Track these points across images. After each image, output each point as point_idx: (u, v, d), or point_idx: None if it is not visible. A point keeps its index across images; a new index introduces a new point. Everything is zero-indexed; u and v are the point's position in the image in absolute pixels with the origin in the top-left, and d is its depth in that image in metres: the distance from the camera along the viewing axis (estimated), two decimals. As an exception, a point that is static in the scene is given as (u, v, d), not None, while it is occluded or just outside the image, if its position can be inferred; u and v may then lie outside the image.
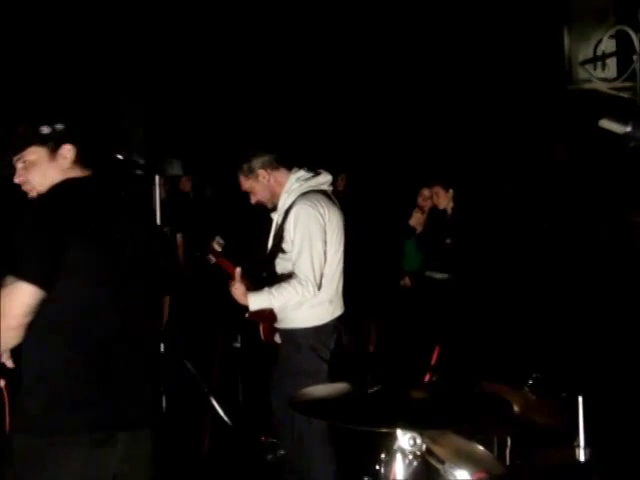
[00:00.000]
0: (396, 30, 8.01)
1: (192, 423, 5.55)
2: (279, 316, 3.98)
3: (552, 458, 2.94)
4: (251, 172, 3.96)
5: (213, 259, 4.12)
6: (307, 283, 3.74)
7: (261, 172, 3.96)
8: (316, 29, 8.01)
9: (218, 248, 4.12)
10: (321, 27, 8.00)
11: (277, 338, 4.15)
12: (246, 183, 4.01)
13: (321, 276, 3.83)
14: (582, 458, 2.64)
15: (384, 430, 2.48)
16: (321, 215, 3.81)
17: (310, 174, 3.98)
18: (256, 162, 3.97)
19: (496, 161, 7.22)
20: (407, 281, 6.52)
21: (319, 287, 3.81)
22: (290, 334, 3.94)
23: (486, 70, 7.79)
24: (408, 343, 5.78)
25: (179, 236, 6.76)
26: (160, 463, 4.98)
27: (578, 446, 2.65)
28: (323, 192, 3.96)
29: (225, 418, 5.47)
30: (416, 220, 6.55)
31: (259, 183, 3.96)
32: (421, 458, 2.57)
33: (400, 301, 6.48)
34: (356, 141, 8.28)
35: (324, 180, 4.00)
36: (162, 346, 5.44)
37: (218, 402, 5.56)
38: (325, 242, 3.82)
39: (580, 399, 2.64)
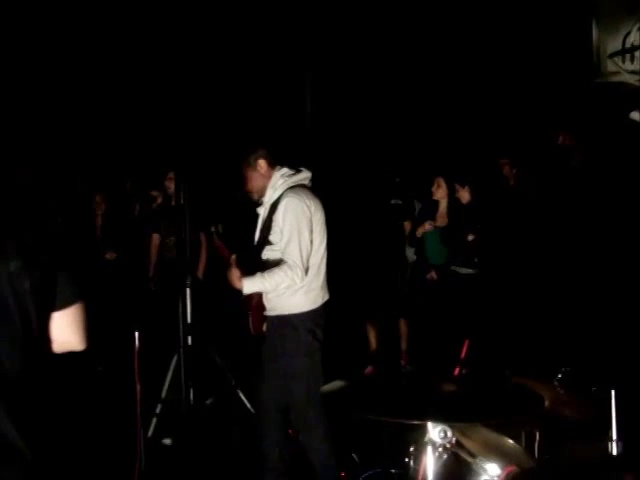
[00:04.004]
0: (415, 21, 7.99)
1: (219, 414, 5.61)
2: (275, 304, 4.21)
3: (581, 452, 2.93)
4: (252, 161, 4.27)
5: (216, 240, 4.47)
6: (296, 268, 4.01)
7: (260, 162, 4.27)
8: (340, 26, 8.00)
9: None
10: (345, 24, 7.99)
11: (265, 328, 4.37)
12: (245, 171, 4.32)
13: (308, 262, 4.11)
14: (615, 452, 2.63)
15: (415, 422, 2.48)
16: (307, 207, 4.12)
17: (292, 171, 4.29)
18: (259, 153, 4.28)
19: (517, 155, 7.17)
20: (433, 275, 6.52)
21: (306, 272, 4.09)
22: (286, 319, 4.17)
23: (513, 64, 7.75)
24: (436, 337, 5.78)
25: (155, 237, 6.81)
26: (189, 455, 5.06)
27: (611, 440, 2.64)
28: (306, 187, 4.28)
29: (252, 410, 5.53)
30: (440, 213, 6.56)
31: (256, 172, 4.27)
32: (451, 451, 2.57)
33: (427, 295, 6.47)
34: (362, 135, 8.25)
35: (305, 176, 4.31)
36: (190, 339, 5.54)
37: (245, 394, 5.63)
38: (311, 232, 4.13)
39: (613, 392, 2.62)
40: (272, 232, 4.17)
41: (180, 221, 5.77)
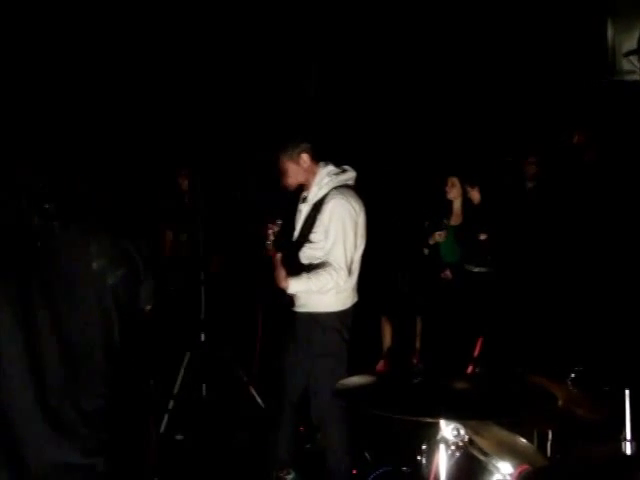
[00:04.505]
0: (429, 15, 7.95)
1: (230, 411, 5.62)
2: (306, 301, 4.19)
3: (594, 452, 2.93)
4: (295, 155, 4.18)
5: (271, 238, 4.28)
6: (340, 270, 4.01)
7: (303, 156, 4.18)
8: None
9: (272, 236, 4.25)
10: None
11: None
12: (285, 164, 4.22)
13: (351, 264, 4.12)
14: (628, 452, 2.62)
15: (428, 420, 2.48)
16: (354, 210, 4.08)
17: (339, 169, 4.23)
18: (303, 147, 4.19)
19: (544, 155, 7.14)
20: (448, 274, 6.51)
21: (349, 274, 4.10)
22: (315, 317, 4.16)
23: (528, 61, 7.72)
24: (450, 335, 5.77)
25: (168, 234, 6.82)
26: (200, 450, 5.08)
27: (624, 439, 2.63)
28: (350, 187, 4.22)
29: (263, 406, 5.55)
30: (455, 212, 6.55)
31: (299, 167, 4.19)
32: (464, 449, 2.57)
33: (441, 294, 6.46)
34: (373, 135, 8.23)
35: (350, 176, 4.26)
36: (202, 336, 5.57)
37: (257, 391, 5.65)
38: (355, 234, 4.10)
39: (627, 392, 2.62)
40: (314, 230, 4.13)
41: (194, 219, 5.81)
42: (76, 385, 2.37)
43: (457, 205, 6.57)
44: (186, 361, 5.51)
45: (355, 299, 4.25)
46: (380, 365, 6.42)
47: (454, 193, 6.50)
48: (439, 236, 6.43)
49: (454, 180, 6.48)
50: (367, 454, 4.77)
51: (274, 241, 4.27)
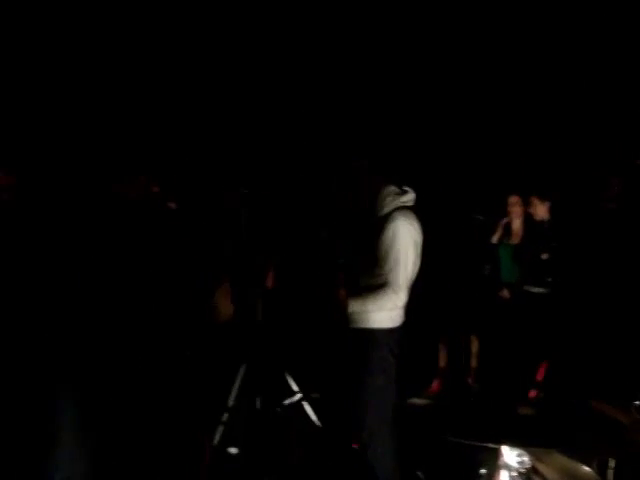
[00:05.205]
0: (484, 30, 7.87)
1: (285, 426, 5.62)
2: (357, 317, 4.21)
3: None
4: (358, 172, 4.23)
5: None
6: (400, 292, 4.07)
7: (366, 173, 4.23)
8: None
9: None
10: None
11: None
12: (349, 180, 4.28)
13: (409, 284, 4.15)
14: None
15: (491, 446, 2.44)
16: (415, 231, 4.13)
17: (399, 190, 4.26)
18: (365, 164, 4.24)
19: (596, 171, 7.00)
20: (505, 293, 6.43)
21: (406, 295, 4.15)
22: (367, 334, 4.19)
23: (589, 76, 7.58)
24: (509, 357, 5.69)
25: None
26: (254, 465, 5.08)
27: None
28: (410, 209, 4.24)
29: (317, 423, 5.53)
30: (514, 230, 6.48)
31: (361, 183, 4.24)
32: (526, 476, 2.52)
33: (499, 314, 6.38)
34: (435, 152, 8.16)
35: (411, 197, 4.28)
36: (258, 349, 5.58)
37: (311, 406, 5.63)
38: (414, 255, 4.14)
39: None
40: (374, 248, 4.14)
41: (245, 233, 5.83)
42: None
43: (517, 224, 6.49)
44: (241, 374, 5.52)
45: (404, 318, 4.27)
46: (434, 385, 6.37)
47: (517, 212, 6.41)
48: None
49: (518, 199, 6.39)
50: (419, 473, 4.73)
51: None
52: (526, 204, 6.38)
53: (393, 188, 4.23)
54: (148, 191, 4.33)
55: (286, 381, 5.70)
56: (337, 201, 4.46)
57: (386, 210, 4.17)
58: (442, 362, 6.64)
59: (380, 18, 7.82)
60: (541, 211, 6.22)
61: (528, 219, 6.35)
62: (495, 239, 6.62)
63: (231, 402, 5.47)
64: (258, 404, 5.58)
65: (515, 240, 6.52)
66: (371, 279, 4.16)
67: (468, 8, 7.71)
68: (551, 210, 6.16)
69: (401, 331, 4.25)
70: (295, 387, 5.73)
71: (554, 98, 7.80)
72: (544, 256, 6.03)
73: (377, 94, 8.05)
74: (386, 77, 8.10)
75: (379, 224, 4.15)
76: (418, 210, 4.25)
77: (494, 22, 7.79)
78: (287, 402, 5.72)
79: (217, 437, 5.35)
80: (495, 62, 7.98)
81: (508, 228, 6.57)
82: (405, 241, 4.07)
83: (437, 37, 7.92)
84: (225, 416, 5.44)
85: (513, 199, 6.42)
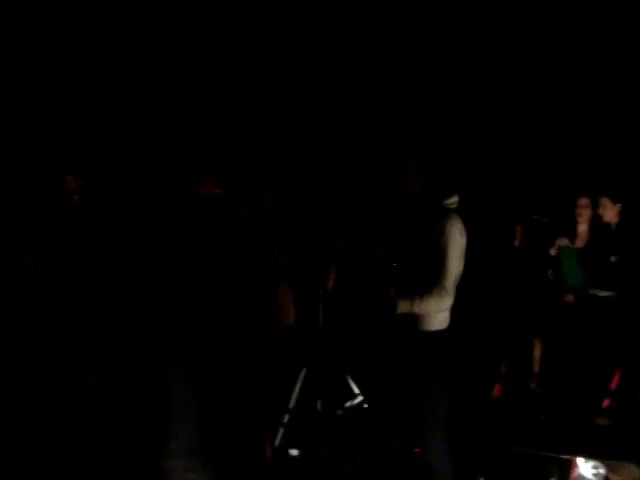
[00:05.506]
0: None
1: (347, 427, 5.60)
2: (407, 318, 4.19)
3: None
4: (404, 171, 4.24)
5: None
6: (446, 295, 4.09)
7: (411, 172, 4.24)
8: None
9: None
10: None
11: None
12: (393, 180, 4.30)
13: (455, 286, 4.17)
14: None
15: (565, 457, 2.38)
16: (461, 235, 4.13)
17: (444, 192, 4.26)
18: (410, 163, 4.24)
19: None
20: (570, 298, 6.29)
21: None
22: (415, 336, 4.19)
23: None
24: (577, 363, 5.57)
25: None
26: (315, 466, 5.07)
27: None
28: (454, 211, 4.25)
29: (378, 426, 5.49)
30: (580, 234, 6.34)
31: (405, 182, 4.24)
32: (600, 488, 2.45)
33: (564, 318, 6.25)
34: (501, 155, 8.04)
35: (455, 200, 4.28)
36: (319, 351, 5.58)
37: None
38: (459, 258, 4.15)
39: None
40: (419, 248, 4.16)
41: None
42: None
43: (583, 227, 6.34)
44: (302, 375, 5.52)
45: (449, 320, 4.25)
46: (496, 390, 6.28)
47: (585, 215, 6.26)
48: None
49: (588, 201, 6.24)
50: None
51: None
52: (595, 205, 6.21)
53: (439, 190, 4.24)
54: (213, 191, 4.37)
55: (347, 383, 5.69)
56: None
57: (432, 212, 4.18)
58: (503, 367, 6.54)
59: (415, 20, 7.77)
60: (611, 213, 6.05)
61: (595, 221, 6.19)
62: (553, 251, 6.46)
63: (292, 404, 5.48)
64: (319, 406, 5.58)
65: (580, 243, 6.37)
66: (417, 281, 4.15)
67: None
68: (621, 213, 6.00)
69: (448, 334, 4.22)
70: (356, 389, 5.72)
71: (628, 98, 7.62)
72: (613, 258, 5.88)
73: (421, 92, 8.00)
74: (434, 77, 8.04)
75: (425, 226, 4.17)
76: (464, 212, 4.25)
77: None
78: (348, 404, 5.70)
79: (278, 438, 5.36)
80: (555, 61, 7.86)
81: (572, 231, 6.43)
82: (453, 246, 4.08)
83: (482, 41, 7.84)
84: (286, 418, 5.45)
85: (583, 201, 6.25)
